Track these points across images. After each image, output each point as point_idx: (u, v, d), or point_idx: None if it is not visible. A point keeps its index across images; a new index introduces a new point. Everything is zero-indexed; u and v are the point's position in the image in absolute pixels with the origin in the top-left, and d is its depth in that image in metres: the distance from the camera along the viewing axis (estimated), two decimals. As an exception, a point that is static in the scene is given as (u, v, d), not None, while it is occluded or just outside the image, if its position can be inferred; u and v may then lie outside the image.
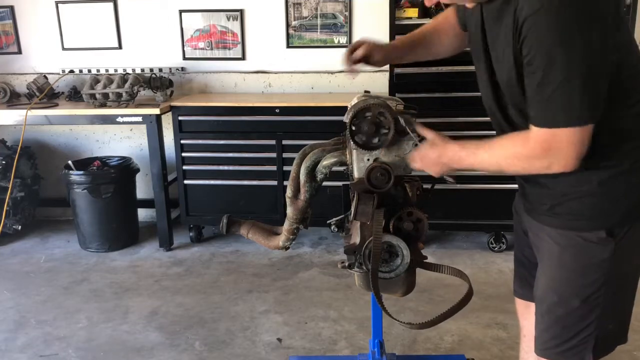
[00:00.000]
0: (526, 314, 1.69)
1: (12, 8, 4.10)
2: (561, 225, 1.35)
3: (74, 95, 3.93)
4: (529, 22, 1.14)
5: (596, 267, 1.31)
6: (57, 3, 4.03)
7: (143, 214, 4.15)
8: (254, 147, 3.59)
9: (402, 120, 1.47)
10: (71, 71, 4.08)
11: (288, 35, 3.92)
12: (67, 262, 3.59)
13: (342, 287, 3.14)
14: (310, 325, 2.78)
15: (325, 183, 1.76)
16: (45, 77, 3.91)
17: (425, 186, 1.62)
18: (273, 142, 3.55)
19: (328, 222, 1.82)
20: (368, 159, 1.56)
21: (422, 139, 1.48)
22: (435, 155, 1.41)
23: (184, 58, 4.03)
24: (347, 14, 3.83)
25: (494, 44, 1.30)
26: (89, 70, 4.06)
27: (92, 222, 3.69)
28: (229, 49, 3.99)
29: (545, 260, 1.42)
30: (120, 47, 4.08)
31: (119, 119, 3.55)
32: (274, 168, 3.59)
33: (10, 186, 3.72)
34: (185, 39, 4.00)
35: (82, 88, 3.70)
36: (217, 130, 3.60)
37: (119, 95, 3.57)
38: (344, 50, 1.72)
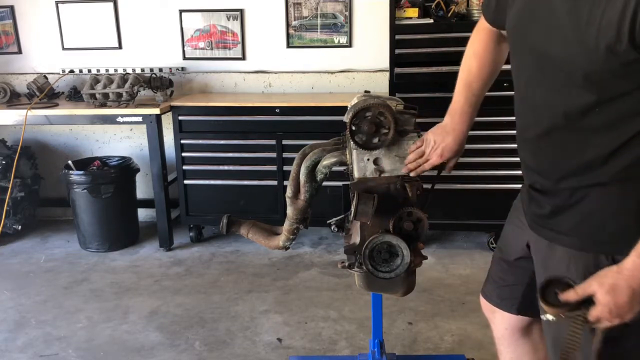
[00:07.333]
0: (492, 318, 1.64)
1: (12, 8, 4.10)
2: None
3: (74, 95, 3.93)
4: None
5: None
6: (57, 3, 4.03)
7: (143, 213, 4.15)
8: (254, 147, 3.59)
9: None
10: (71, 71, 4.08)
11: (288, 35, 3.92)
12: (67, 262, 3.59)
13: (342, 287, 3.14)
14: (311, 325, 2.78)
15: (325, 183, 1.76)
16: (45, 77, 3.91)
17: (425, 186, 1.62)
18: (273, 142, 3.55)
19: (328, 222, 1.82)
20: (368, 159, 1.56)
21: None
22: (622, 282, 1.10)
23: (184, 58, 4.03)
24: (347, 13, 3.83)
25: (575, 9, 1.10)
26: (89, 70, 4.06)
27: (92, 222, 3.68)
28: (229, 49, 3.99)
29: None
30: (120, 47, 4.08)
31: (119, 119, 3.55)
32: (274, 168, 3.59)
33: (10, 186, 3.72)
34: (185, 39, 4.00)
35: (82, 88, 3.70)
36: (217, 130, 3.60)
37: (119, 95, 3.57)
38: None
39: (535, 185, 1.33)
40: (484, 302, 1.65)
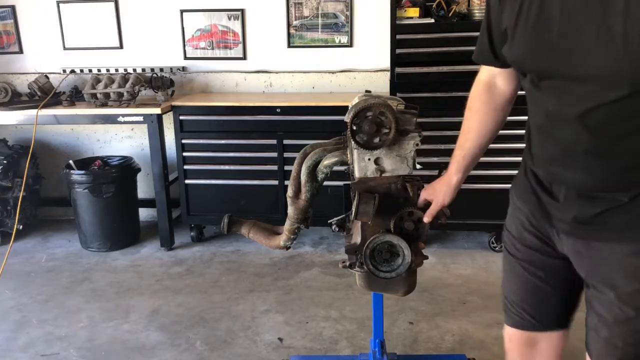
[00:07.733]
0: (530, 352, 1.52)
1: (13, 8, 4.10)
2: None
3: (75, 95, 3.93)
4: None
5: None
6: (58, 3, 4.03)
7: (144, 213, 4.16)
8: (255, 147, 3.59)
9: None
10: (72, 71, 4.08)
11: (289, 35, 3.92)
12: (68, 262, 3.60)
13: (343, 287, 3.14)
14: (312, 324, 2.78)
15: (326, 183, 1.76)
16: (47, 77, 3.91)
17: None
18: (274, 141, 3.55)
19: (329, 221, 1.82)
20: (369, 159, 1.56)
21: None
22: None
23: (185, 58, 4.03)
24: (348, 13, 3.83)
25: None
26: (90, 70, 4.07)
27: (93, 222, 3.69)
28: (230, 48, 3.99)
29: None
30: (121, 46, 4.08)
31: (120, 119, 3.55)
32: (275, 168, 3.59)
33: (23, 183, 3.69)
34: (186, 39, 4.00)
35: (83, 88, 3.70)
36: (218, 130, 3.60)
37: (120, 94, 3.57)
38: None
39: (581, 191, 1.23)
40: (517, 338, 1.54)
